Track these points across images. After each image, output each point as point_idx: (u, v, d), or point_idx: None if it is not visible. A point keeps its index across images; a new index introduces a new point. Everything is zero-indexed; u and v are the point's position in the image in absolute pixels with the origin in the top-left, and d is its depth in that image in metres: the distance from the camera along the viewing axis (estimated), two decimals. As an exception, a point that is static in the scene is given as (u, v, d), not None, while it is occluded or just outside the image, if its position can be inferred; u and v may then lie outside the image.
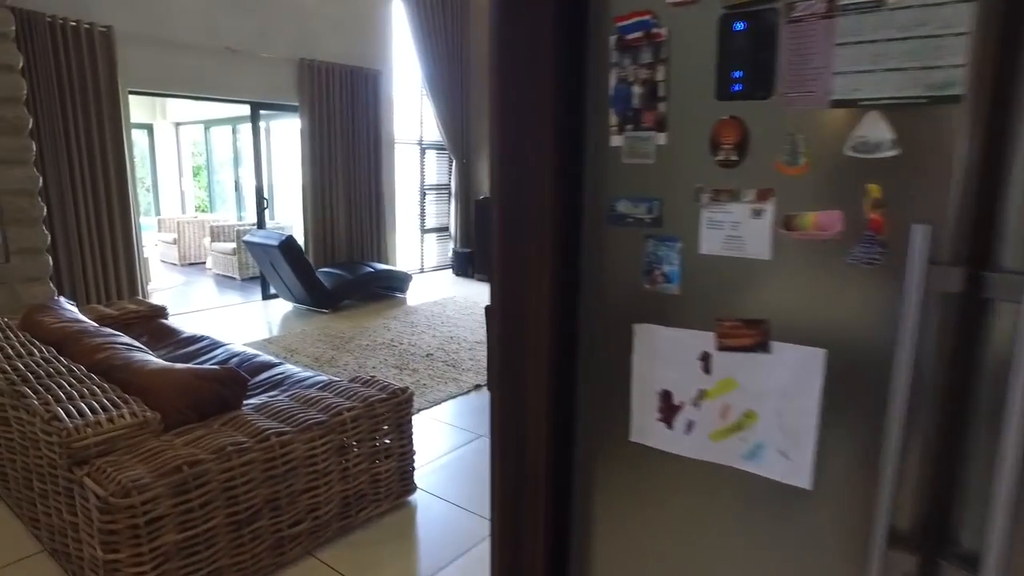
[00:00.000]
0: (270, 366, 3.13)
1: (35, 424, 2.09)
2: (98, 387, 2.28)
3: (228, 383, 2.32)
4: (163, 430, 2.14)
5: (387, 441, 2.55)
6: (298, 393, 2.52)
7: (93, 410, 2.08)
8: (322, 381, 2.80)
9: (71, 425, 1.96)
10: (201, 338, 3.57)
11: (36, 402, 2.12)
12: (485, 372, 4.50)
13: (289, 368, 3.08)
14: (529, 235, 1.21)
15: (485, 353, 4.96)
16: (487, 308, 3.83)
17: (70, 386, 2.29)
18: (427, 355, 4.82)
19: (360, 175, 7.12)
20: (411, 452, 2.68)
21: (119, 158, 5.24)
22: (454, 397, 4.02)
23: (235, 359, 3.23)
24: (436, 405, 3.88)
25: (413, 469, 2.71)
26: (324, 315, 6.06)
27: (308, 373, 2.99)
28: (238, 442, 2.06)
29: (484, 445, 3.37)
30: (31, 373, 2.42)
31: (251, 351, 3.34)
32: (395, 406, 2.56)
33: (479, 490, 2.92)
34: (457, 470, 3.11)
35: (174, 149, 10.71)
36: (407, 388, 2.65)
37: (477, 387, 4.19)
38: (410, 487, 2.72)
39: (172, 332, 3.70)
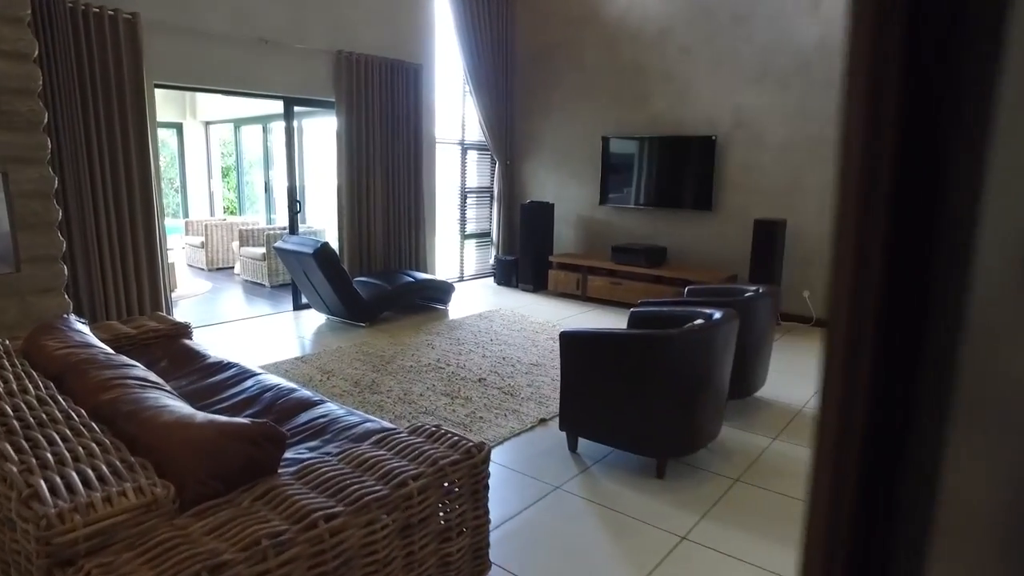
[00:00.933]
0: (309, 404, 2.61)
1: (11, 499, 1.59)
2: (98, 444, 1.78)
3: (262, 442, 1.80)
4: (178, 509, 1.63)
5: (460, 512, 2.02)
6: (348, 450, 1.99)
7: (87, 482, 1.57)
8: (375, 429, 2.28)
9: (53, 510, 1.45)
10: (228, 365, 3.08)
11: (15, 468, 1.63)
12: (547, 403, 4.03)
13: (332, 409, 2.56)
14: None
15: (543, 378, 4.48)
16: (562, 336, 3.21)
17: (64, 440, 1.79)
18: (479, 380, 4.29)
19: (399, 177, 6.63)
20: (487, 523, 2.14)
21: (143, 158, 4.79)
22: (517, 434, 3.48)
23: (268, 394, 2.73)
24: (498, 444, 3.34)
25: (488, 544, 2.17)
26: (361, 329, 5.57)
27: (355, 417, 2.47)
28: (276, 532, 1.54)
29: (560, 500, 2.82)
30: (19, 420, 1.93)
31: (286, 384, 2.82)
32: (470, 469, 2.03)
33: (565, 562, 2.37)
34: (534, 535, 2.56)
35: (203, 149, 10.36)
36: (484, 444, 2.10)
37: (542, 421, 3.64)
38: (484, 565, 2.18)
39: (196, 356, 3.21)
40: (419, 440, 2.09)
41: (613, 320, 6.13)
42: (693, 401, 2.91)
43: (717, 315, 3.14)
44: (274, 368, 4.40)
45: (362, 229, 6.39)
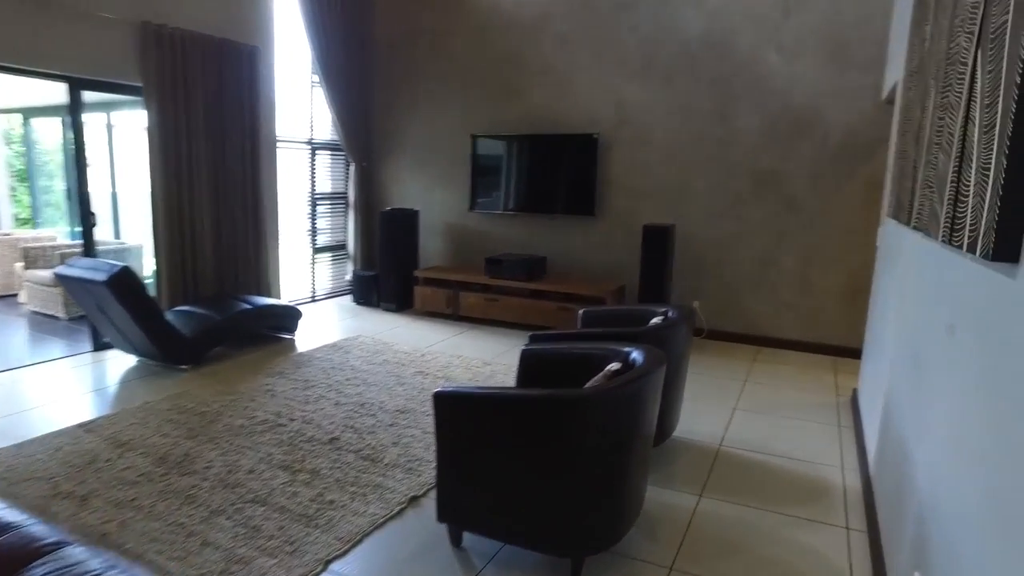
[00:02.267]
0: (38, 553, 1.60)
1: None
2: None
3: None
4: None
5: None
6: None
7: None
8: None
9: None
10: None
11: None
12: (419, 469, 3.01)
13: (73, 555, 1.57)
14: None
15: (412, 430, 3.41)
16: (437, 398, 2.28)
17: None
18: (330, 440, 3.35)
19: (232, 182, 5.48)
20: None
21: None
22: (380, 525, 2.60)
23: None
24: (355, 545, 2.45)
25: None
26: (181, 374, 4.42)
27: (116, 570, 1.50)
28: None
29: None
30: None
31: (17, 516, 1.77)
32: None
33: None
34: None
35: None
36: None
37: (413, 501, 2.78)
38: None
39: None
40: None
41: (491, 344, 5.37)
42: (617, 477, 2.18)
43: (638, 357, 2.44)
44: (41, 444, 3.22)
45: (185, 247, 5.19)
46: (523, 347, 2.91)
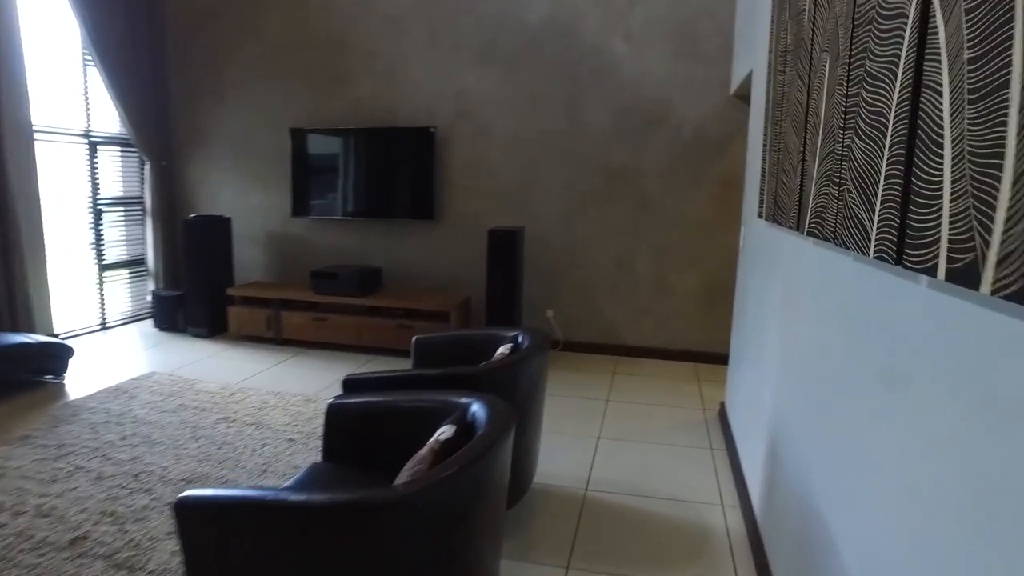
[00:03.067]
0: None
1: None
2: None
3: None
4: None
5: None
6: None
7: None
8: None
9: None
10: None
11: None
12: None
13: None
14: None
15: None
16: (179, 509, 1.37)
17: None
18: (72, 541, 2.44)
19: (-33, 185, 4.25)
20: None
21: None
22: None
23: None
24: None
25: None
26: None
27: None
28: None
29: None
30: None
31: None
32: None
33: None
34: None
35: None
36: None
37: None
38: None
39: None
40: None
41: (318, 373, 4.56)
42: (452, 598, 1.55)
43: (479, 414, 1.82)
44: None
45: None
46: (330, 401, 2.19)
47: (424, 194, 5.18)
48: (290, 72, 5.52)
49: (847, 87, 1.48)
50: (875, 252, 1.21)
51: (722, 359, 4.98)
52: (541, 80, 4.99)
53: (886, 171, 1.18)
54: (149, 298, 5.96)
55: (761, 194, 2.74)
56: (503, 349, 2.63)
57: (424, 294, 5.19)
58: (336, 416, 2.15)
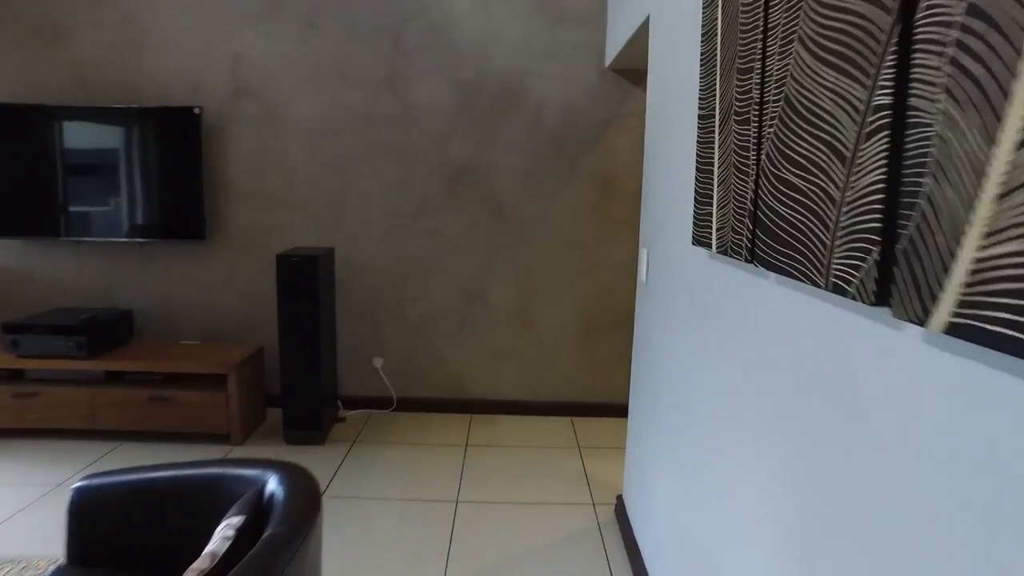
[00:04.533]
0: None
1: None
2: None
3: None
4: None
5: None
6: None
7: None
8: None
9: None
10: None
11: None
12: None
13: None
14: None
15: None
16: None
17: None
18: None
19: None
20: None
21: None
22: None
23: None
24: None
25: None
26: None
27: None
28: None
29: None
30: None
31: None
32: None
33: None
34: None
35: None
36: None
37: None
38: None
39: None
40: None
41: (17, 487, 2.87)
42: None
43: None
44: None
45: None
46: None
47: (190, 204, 3.62)
48: (-23, 25, 3.73)
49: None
50: None
51: (607, 411, 3.87)
52: (354, 44, 3.62)
53: None
54: None
55: (702, 206, 1.57)
56: (224, 531, 1.25)
57: (193, 349, 3.61)
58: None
